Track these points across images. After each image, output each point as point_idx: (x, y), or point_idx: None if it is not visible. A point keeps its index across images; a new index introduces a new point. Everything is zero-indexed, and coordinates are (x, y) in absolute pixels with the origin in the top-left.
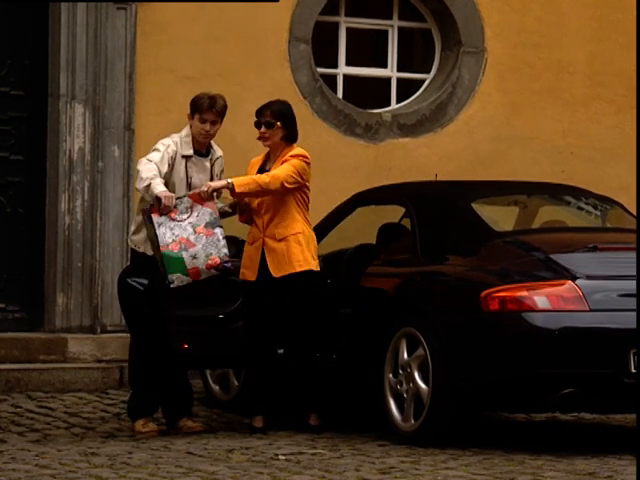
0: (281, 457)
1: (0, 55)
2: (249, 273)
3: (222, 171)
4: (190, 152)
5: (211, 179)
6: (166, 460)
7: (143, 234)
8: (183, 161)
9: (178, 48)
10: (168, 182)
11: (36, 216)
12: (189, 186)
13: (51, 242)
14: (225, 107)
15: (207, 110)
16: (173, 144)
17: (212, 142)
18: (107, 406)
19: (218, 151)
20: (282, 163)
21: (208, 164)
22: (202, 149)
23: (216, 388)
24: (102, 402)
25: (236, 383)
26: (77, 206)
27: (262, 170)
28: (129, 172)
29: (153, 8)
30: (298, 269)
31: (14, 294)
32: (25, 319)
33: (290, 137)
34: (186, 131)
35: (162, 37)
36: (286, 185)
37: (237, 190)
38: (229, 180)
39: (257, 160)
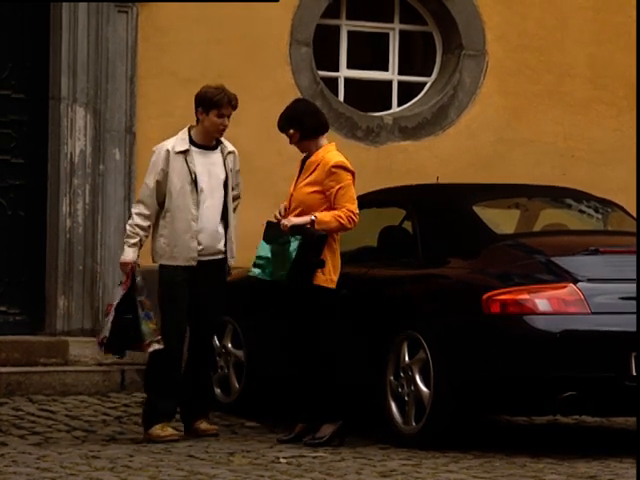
0: (282, 460)
1: (1, 58)
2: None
3: (238, 171)
4: (185, 147)
5: (225, 174)
6: (167, 463)
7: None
8: (180, 157)
9: (179, 51)
10: (170, 183)
11: (37, 219)
12: (195, 182)
13: (52, 245)
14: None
15: (227, 105)
16: (164, 152)
17: (222, 138)
18: (108, 409)
19: (229, 146)
20: (315, 168)
21: (219, 157)
22: (209, 143)
23: (217, 391)
24: (103, 405)
25: (237, 386)
26: (78, 209)
27: (302, 164)
28: (130, 175)
29: (154, 11)
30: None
31: (15, 297)
32: (26, 322)
33: (306, 134)
34: (183, 133)
35: (163, 40)
36: (356, 220)
37: (317, 227)
38: (313, 217)
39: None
